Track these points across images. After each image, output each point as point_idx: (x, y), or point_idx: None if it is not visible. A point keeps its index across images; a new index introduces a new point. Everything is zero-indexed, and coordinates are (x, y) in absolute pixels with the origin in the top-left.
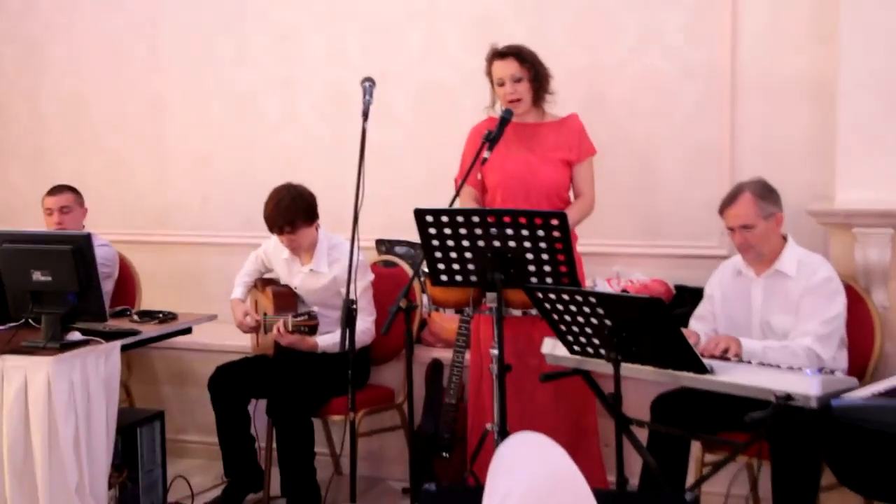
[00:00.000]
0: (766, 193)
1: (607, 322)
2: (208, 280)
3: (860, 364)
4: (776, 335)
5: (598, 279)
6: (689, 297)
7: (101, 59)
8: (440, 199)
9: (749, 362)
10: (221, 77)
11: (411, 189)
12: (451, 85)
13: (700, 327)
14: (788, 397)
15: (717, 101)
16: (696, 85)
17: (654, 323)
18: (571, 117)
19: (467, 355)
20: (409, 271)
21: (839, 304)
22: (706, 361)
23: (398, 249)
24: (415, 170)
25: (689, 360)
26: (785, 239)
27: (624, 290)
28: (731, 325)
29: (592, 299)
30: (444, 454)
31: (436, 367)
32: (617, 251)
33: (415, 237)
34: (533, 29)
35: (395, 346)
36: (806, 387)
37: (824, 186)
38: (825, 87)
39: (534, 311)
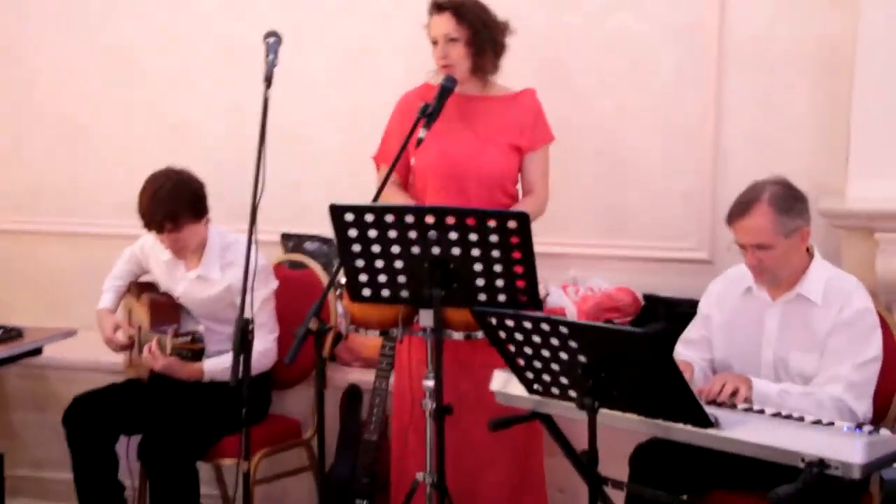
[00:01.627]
0: (790, 204)
1: (581, 358)
2: (74, 280)
3: (882, 403)
4: (792, 377)
5: (551, 286)
6: (662, 310)
7: None
8: (362, 185)
9: (761, 411)
10: (91, 30)
11: (326, 172)
12: (378, 45)
13: (692, 356)
14: (822, 464)
15: (701, 71)
16: (676, 51)
17: (648, 363)
18: (527, 93)
19: (392, 380)
20: (323, 277)
21: (876, 343)
22: (709, 411)
23: (308, 246)
24: (331, 148)
25: (690, 410)
26: (810, 253)
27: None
28: (735, 358)
29: (563, 329)
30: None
31: (353, 394)
32: (573, 252)
33: (330, 231)
34: None
35: (302, 368)
36: (846, 450)
37: (830, 178)
38: (834, 59)
39: (479, 334)
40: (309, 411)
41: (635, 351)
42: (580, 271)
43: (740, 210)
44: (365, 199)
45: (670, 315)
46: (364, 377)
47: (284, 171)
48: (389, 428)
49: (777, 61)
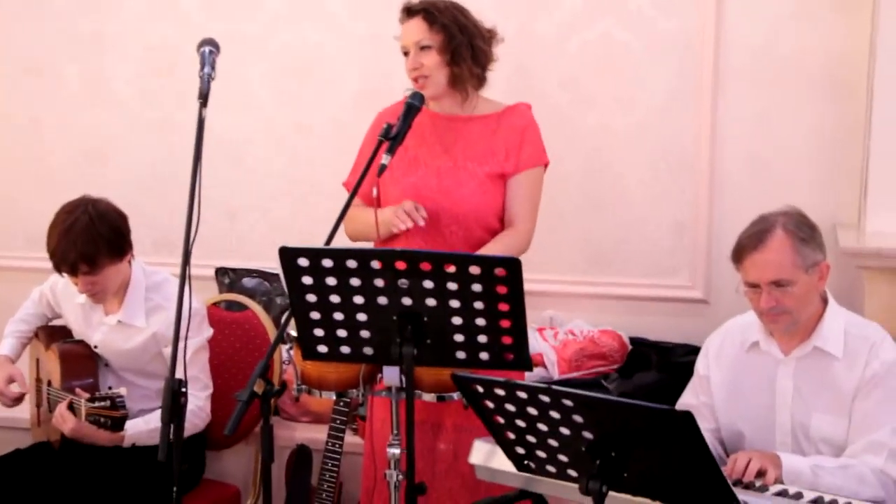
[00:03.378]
0: (808, 233)
1: (586, 435)
2: None
3: None
4: (815, 443)
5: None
6: (654, 357)
7: None
8: (308, 213)
9: (797, 494)
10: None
11: (267, 197)
12: (327, 53)
13: None
14: None
15: (695, 87)
16: (667, 65)
17: (674, 443)
18: (517, 109)
19: (349, 438)
20: (264, 320)
21: None
22: (740, 497)
23: (247, 282)
24: (272, 171)
25: (718, 497)
26: (823, 299)
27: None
28: (744, 426)
29: (567, 402)
30: None
31: (302, 455)
32: (550, 290)
33: (269, 265)
34: None
35: (241, 425)
36: None
37: (841, 210)
38: (844, 75)
39: (455, 395)
40: (249, 475)
41: (658, 429)
42: (559, 311)
43: (753, 242)
44: (313, 229)
45: (664, 364)
46: (312, 434)
47: (219, 197)
48: (343, 496)
49: (779, 77)
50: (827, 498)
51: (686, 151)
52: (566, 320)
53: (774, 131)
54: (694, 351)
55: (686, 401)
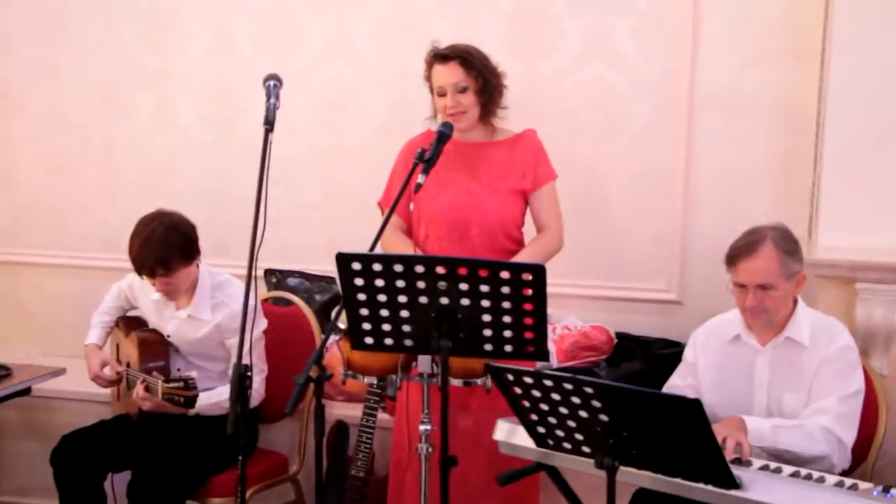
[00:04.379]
0: (792, 247)
1: (602, 417)
2: (59, 314)
3: (860, 449)
4: (786, 417)
5: None
6: (638, 349)
7: None
8: (339, 221)
9: (778, 469)
10: (78, 66)
11: (306, 209)
12: (359, 89)
13: None
14: None
15: (672, 119)
16: (648, 100)
17: (683, 427)
18: (527, 134)
19: (380, 415)
20: (308, 313)
21: (859, 379)
22: (735, 472)
23: (291, 281)
24: (311, 187)
25: (716, 472)
26: (794, 300)
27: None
28: (726, 405)
29: (588, 389)
30: None
31: (340, 430)
32: (549, 291)
33: (308, 266)
34: (459, 27)
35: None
36: None
37: (795, 226)
38: (799, 109)
39: (479, 381)
40: (294, 445)
41: (670, 415)
42: (554, 309)
43: (746, 251)
44: (343, 236)
45: (646, 355)
46: (347, 412)
47: (267, 208)
48: (375, 464)
49: (744, 111)
50: (803, 472)
51: (664, 173)
52: (562, 317)
53: (739, 157)
54: (671, 344)
55: (674, 382)
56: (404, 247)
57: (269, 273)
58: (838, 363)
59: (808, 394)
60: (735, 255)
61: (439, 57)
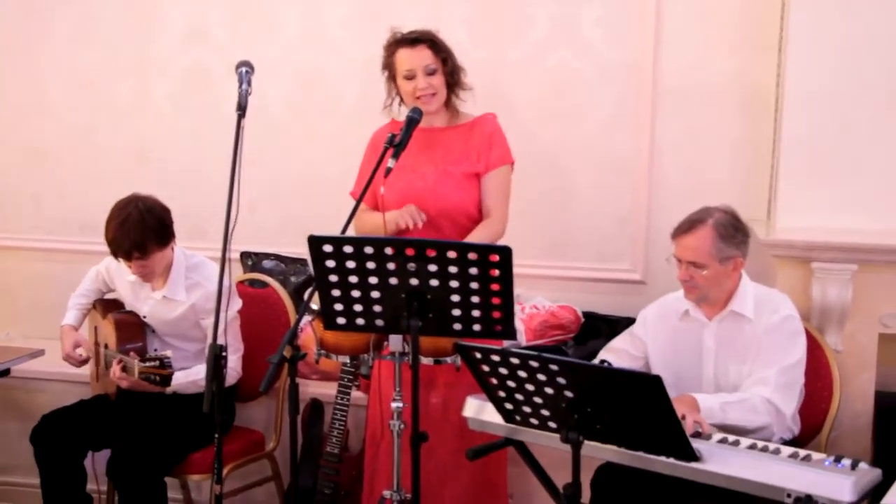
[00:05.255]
0: (730, 233)
1: (567, 394)
2: (38, 297)
3: (814, 420)
4: (731, 389)
5: None
6: (604, 328)
7: None
8: (314, 204)
9: (736, 442)
10: (57, 52)
11: (282, 194)
12: (332, 75)
13: (612, 360)
14: (810, 500)
15: (636, 106)
16: (612, 87)
17: (645, 403)
18: (485, 118)
19: (354, 393)
20: (283, 295)
21: (800, 347)
22: (694, 445)
23: (266, 264)
24: (285, 170)
25: (677, 445)
26: (736, 278)
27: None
28: (677, 377)
29: (554, 367)
30: None
31: (315, 408)
32: (517, 272)
33: (284, 249)
34: (428, 16)
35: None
36: (834, 487)
37: (754, 208)
38: (759, 97)
39: (448, 359)
40: (270, 423)
41: (630, 389)
42: (523, 290)
43: (686, 228)
44: (317, 219)
45: (612, 333)
46: (322, 391)
47: (242, 190)
48: (350, 441)
49: (705, 98)
50: (760, 444)
51: (628, 158)
52: (530, 297)
53: (701, 142)
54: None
55: (615, 343)
56: (377, 220)
57: (245, 255)
58: (780, 332)
59: (752, 364)
60: (677, 230)
61: (407, 41)
